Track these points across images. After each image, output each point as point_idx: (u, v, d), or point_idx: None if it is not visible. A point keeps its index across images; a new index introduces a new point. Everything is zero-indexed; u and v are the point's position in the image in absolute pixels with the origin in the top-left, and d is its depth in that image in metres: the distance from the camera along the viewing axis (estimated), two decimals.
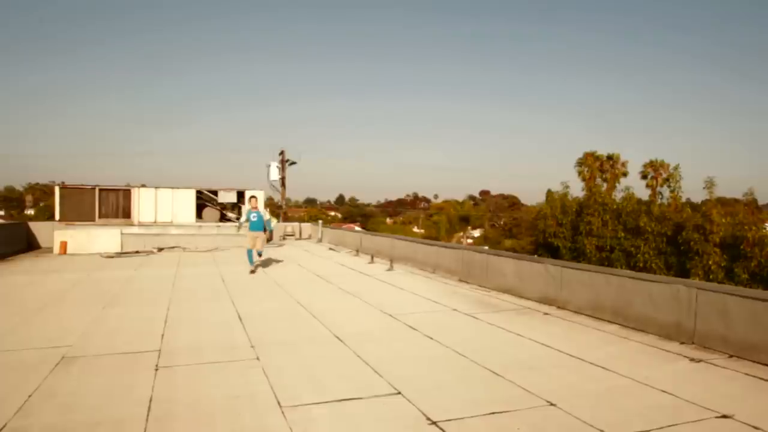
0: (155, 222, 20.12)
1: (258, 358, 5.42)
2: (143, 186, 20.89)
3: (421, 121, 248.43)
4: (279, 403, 4.22)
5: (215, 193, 21.97)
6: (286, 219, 31.49)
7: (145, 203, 20.14)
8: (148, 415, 3.96)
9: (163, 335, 6.35)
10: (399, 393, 4.46)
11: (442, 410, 4.07)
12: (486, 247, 20.80)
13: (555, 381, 4.78)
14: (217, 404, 4.20)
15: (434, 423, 3.85)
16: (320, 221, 27.03)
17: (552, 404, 4.22)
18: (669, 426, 3.79)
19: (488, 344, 6.08)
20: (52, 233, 17.73)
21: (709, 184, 15.98)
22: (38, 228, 19.20)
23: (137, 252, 17.53)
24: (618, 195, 20.40)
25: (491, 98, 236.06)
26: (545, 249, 20.35)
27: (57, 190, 19.75)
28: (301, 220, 32.72)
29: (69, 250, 17.14)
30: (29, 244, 18.41)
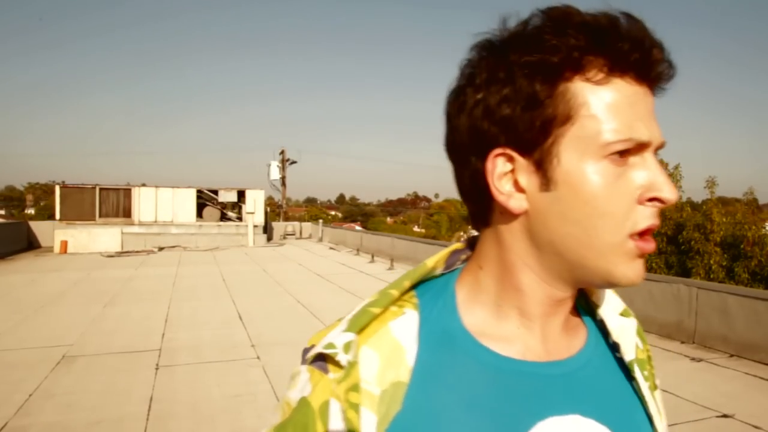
0: (156, 221, 20.13)
1: (258, 358, 5.42)
2: (143, 185, 20.89)
3: (422, 120, 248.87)
4: (279, 400, 4.22)
5: (216, 192, 21.97)
6: (287, 218, 31.52)
7: (145, 202, 20.14)
8: (148, 414, 3.96)
9: (163, 334, 6.35)
10: None
11: None
12: None
13: None
14: (218, 403, 4.20)
15: None
16: (321, 220, 27.05)
17: None
18: (669, 425, 3.76)
19: None
20: (53, 232, 17.75)
21: (710, 184, 16.01)
22: (39, 227, 19.22)
23: (138, 251, 17.54)
24: None
25: None
26: None
27: (57, 189, 19.75)
28: (301, 219, 32.72)
29: (69, 250, 17.15)
30: (30, 244, 18.42)
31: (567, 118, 0.48)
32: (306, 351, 0.55)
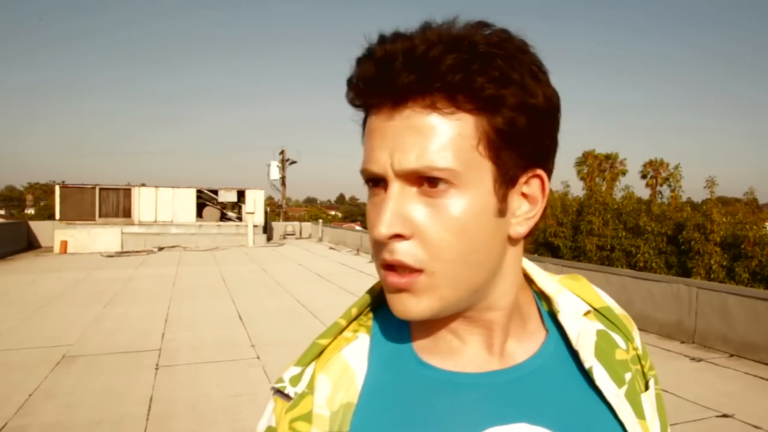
0: (155, 221, 20.12)
1: (258, 358, 5.42)
2: (143, 185, 20.89)
3: None
4: None
5: (215, 192, 21.96)
6: (287, 218, 31.51)
7: (145, 202, 20.13)
8: (148, 414, 3.96)
9: (163, 334, 6.35)
10: None
11: None
12: None
13: None
14: (218, 403, 4.20)
15: None
16: (320, 220, 27.04)
17: None
18: (669, 425, 3.78)
19: None
20: (53, 232, 17.75)
21: (710, 183, 16.01)
22: (39, 227, 19.22)
23: (137, 251, 17.54)
24: (618, 194, 20.47)
25: None
26: (546, 248, 20.37)
27: (57, 189, 19.73)
28: (301, 219, 32.73)
29: (69, 250, 17.15)
30: (30, 244, 18.42)
31: None
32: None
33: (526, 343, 0.56)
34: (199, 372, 4.98)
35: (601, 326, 0.59)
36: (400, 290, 0.49)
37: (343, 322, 0.57)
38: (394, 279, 0.48)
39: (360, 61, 0.48)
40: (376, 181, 0.49)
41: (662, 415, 0.64)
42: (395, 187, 0.47)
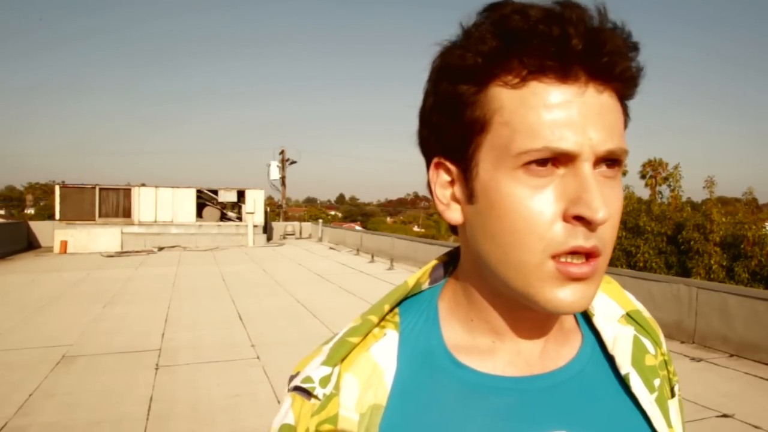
0: (155, 221, 20.11)
1: (258, 358, 5.42)
2: (143, 185, 20.88)
3: None
4: (279, 402, 4.22)
5: (215, 192, 21.95)
6: (287, 218, 31.51)
7: (145, 202, 20.12)
8: (148, 414, 3.96)
9: (163, 334, 6.35)
10: None
11: None
12: None
13: None
14: (218, 403, 4.20)
15: None
16: (320, 220, 27.04)
17: None
18: None
19: None
20: (53, 232, 17.76)
21: (710, 183, 16.00)
22: (38, 227, 19.22)
23: (137, 251, 17.53)
24: None
25: None
26: None
27: (57, 189, 19.73)
28: (301, 219, 32.72)
29: (69, 250, 17.15)
30: (29, 244, 18.42)
31: (483, 126, 0.45)
32: (292, 378, 0.54)
33: (565, 347, 0.54)
34: (199, 372, 4.98)
35: (633, 331, 0.58)
36: (578, 279, 0.44)
37: (375, 319, 0.53)
38: (583, 269, 0.43)
39: (553, 21, 0.42)
40: (543, 161, 0.43)
41: (683, 423, 0.62)
42: (587, 167, 0.43)
